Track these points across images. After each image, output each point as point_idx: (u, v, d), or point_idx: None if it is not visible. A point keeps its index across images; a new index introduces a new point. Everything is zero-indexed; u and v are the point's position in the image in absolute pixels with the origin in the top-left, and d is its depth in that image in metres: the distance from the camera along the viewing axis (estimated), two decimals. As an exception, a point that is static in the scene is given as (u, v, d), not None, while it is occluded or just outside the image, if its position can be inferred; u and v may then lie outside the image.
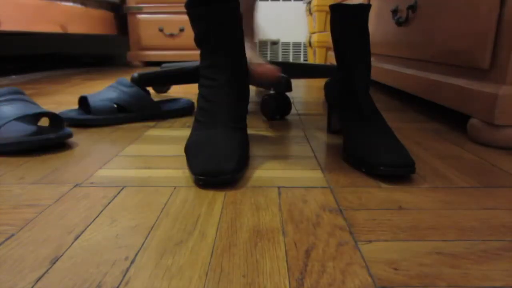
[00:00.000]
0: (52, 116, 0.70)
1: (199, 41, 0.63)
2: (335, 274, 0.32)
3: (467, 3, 0.75)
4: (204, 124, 0.59)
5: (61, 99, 1.24)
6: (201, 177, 0.50)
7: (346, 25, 0.62)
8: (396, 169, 0.52)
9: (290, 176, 0.55)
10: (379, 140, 0.56)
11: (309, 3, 2.56)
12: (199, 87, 0.63)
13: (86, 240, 0.38)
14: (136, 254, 0.35)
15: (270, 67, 0.87)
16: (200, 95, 0.62)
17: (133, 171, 0.57)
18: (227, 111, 0.59)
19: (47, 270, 0.33)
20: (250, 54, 0.95)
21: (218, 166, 0.50)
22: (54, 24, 1.98)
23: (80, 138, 0.75)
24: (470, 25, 0.74)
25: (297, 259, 0.34)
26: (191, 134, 0.59)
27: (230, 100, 0.60)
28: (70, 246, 0.36)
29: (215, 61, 0.61)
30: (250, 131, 0.81)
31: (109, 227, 0.40)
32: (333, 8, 0.64)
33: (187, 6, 0.62)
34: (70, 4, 2.15)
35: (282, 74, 0.91)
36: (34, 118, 0.73)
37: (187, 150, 0.57)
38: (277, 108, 0.91)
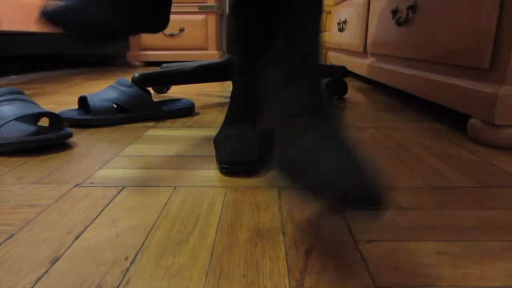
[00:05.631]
0: (52, 116, 0.70)
1: (238, 40, 0.66)
2: (335, 274, 0.32)
3: (467, 3, 0.75)
4: (234, 118, 0.64)
5: (61, 99, 1.24)
6: (224, 166, 0.55)
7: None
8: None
9: (290, 176, 0.55)
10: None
11: (309, 3, 2.56)
12: (233, 84, 0.67)
13: (86, 240, 0.38)
14: (136, 254, 0.35)
15: None
16: (233, 91, 0.66)
17: (133, 171, 0.57)
18: (255, 107, 0.63)
19: (47, 270, 0.33)
20: None
21: (240, 157, 0.55)
22: (54, 24, 1.97)
23: (80, 138, 0.75)
24: (470, 25, 0.74)
25: (297, 259, 0.34)
26: (221, 127, 0.65)
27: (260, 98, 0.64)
28: (70, 246, 0.36)
29: (253, 60, 0.64)
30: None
31: (109, 227, 0.40)
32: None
33: (234, 6, 0.65)
34: (70, 4, 2.15)
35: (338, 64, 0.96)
36: (34, 118, 0.73)
37: (216, 141, 0.62)
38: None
